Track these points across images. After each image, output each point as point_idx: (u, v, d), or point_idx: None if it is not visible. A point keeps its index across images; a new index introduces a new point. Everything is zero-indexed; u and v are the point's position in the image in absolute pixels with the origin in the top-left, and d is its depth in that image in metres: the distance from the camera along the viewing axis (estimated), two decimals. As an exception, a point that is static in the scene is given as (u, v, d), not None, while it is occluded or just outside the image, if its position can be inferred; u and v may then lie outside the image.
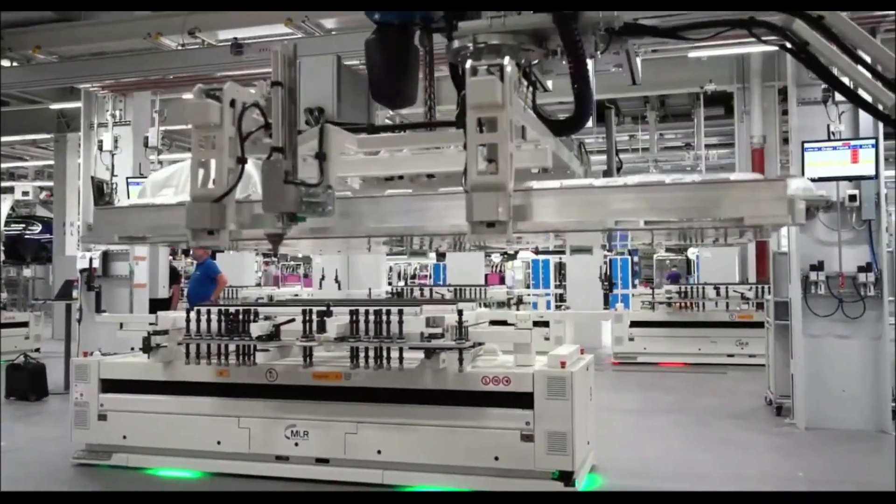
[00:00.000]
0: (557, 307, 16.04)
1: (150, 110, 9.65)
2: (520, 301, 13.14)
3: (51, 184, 16.18)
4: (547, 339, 12.93)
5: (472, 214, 3.12)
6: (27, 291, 26.38)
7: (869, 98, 3.89)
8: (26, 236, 14.55)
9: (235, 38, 7.59)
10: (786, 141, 11.28)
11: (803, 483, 5.79)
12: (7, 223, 14.22)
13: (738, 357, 11.83)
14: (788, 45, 3.81)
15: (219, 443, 5.86)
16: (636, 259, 32.89)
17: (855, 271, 7.30)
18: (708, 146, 17.26)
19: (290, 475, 5.70)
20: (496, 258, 31.65)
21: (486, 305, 13.05)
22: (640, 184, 3.45)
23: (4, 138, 15.20)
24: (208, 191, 3.40)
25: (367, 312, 5.23)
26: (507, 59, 3.17)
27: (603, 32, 3.69)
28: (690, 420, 8.07)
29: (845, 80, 3.90)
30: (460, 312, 5.20)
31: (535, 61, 3.89)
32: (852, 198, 7.28)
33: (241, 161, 3.43)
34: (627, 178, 3.59)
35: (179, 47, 8.02)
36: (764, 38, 3.86)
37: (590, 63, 3.69)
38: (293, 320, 5.45)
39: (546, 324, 13.11)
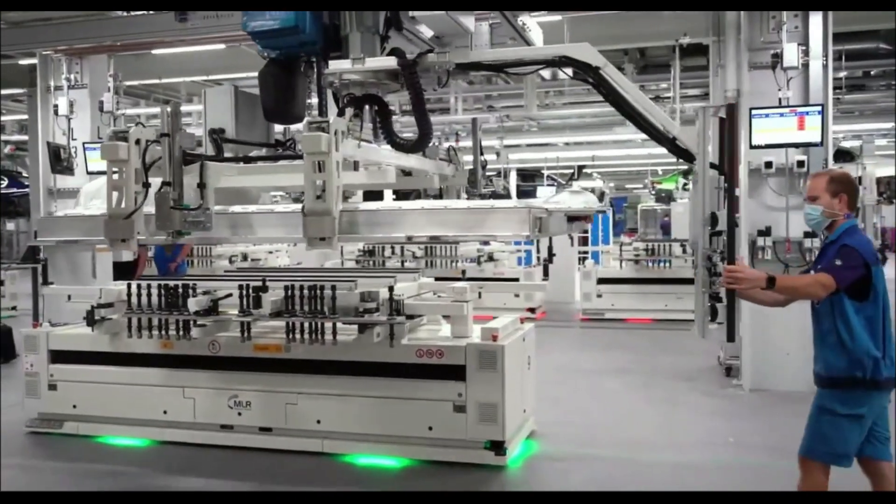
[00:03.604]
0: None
1: (106, 73, 9.54)
2: (490, 257, 13.24)
3: (15, 138, 16.06)
4: (517, 295, 13.17)
5: (306, 232, 4.19)
6: (11, 245, 26.43)
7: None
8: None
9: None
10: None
11: (733, 448, 5.97)
12: None
13: (703, 313, 11.95)
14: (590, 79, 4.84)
15: (165, 412, 6.00)
16: (621, 210, 33.06)
17: (801, 237, 7.38)
18: (686, 98, 17.10)
19: (234, 443, 5.86)
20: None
21: (456, 262, 13.19)
22: (430, 208, 4.47)
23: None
24: (120, 210, 4.45)
25: (301, 287, 5.30)
26: (332, 117, 4.17)
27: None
28: (642, 381, 8.23)
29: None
30: (391, 288, 5.28)
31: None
32: (800, 164, 7.31)
33: (146, 185, 4.45)
34: (424, 203, 4.66)
35: (125, 14, 7.93)
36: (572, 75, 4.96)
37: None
38: (230, 295, 5.53)
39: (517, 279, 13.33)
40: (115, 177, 4.45)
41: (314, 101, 5.26)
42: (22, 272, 14.72)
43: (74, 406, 6.23)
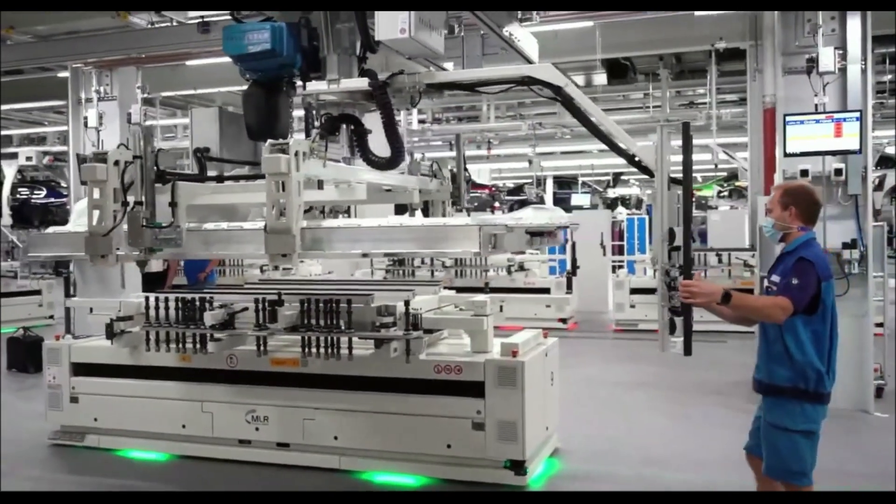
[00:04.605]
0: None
1: (134, 85, 9.63)
2: (521, 267, 13.07)
3: (55, 149, 16.37)
4: (548, 306, 13.00)
5: (268, 249, 4.34)
6: (53, 253, 26.89)
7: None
8: (32, 201, 14.77)
9: (202, 18, 7.53)
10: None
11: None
12: (14, 188, 14.44)
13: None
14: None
15: (184, 426, 5.96)
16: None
17: (840, 247, 7.08)
18: (723, 104, 16.75)
19: (252, 459, 5.80)
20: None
21: (485, 272, 13.05)
22: (386, 225, 4.53)
23: (22, 105, 15.39)
24: (100, 227, 4.63)
25: (317, 302, 5.22)
26: (292, 140, 4.33)
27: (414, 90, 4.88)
28: (671, 396, 8.00)
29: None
30: (407, 303, 5.16)
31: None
32: (838, 172, 7.02)
33: (125, 204, 4.63)
34: (381, 220, 4.63)
35: (149, 25, 7.98)
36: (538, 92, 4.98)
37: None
38: (246, 309, 5.47)
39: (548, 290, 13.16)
40: (96, 196, 4.65)
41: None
42: (59, 281, 14.95)
43: (95, 419, 6.22)
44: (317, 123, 5.05)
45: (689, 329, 3.77)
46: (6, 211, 14.58)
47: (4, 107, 14.14)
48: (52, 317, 14.23)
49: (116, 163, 4.62)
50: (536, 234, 5.09)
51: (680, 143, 4.07)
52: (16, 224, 14.25)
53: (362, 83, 4.83)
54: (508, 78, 5.02)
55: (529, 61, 5.91)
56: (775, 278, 3.67)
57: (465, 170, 6.20)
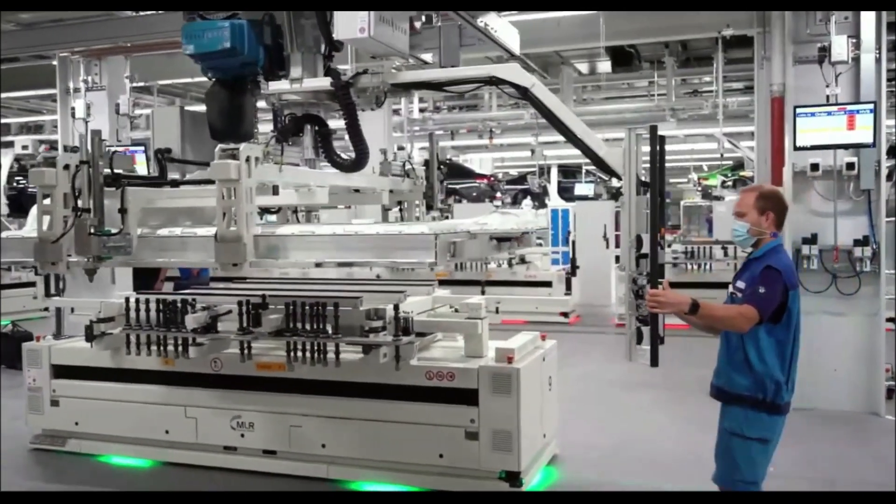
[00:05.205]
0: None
1: (122, 74, 9.35)
2: (522, 260, 12.82)
3: (53, 137, 16.16)
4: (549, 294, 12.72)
5: (218, 258, 4.23)
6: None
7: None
8: (30, 190, 14.59)
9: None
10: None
11: (772, 479, 5.47)
12: (10, 177, 14.22)
13: (746, 320, 11.38)
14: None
15: (167, 432, 5.74)
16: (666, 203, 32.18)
17: (851, 245, 6.81)
18: (730, 91, 16.42)
19: (238, 466, 5.58)
20: (526, 204, 30.98)
21: (486, 265, 12.80)
22: (341, 234, 4.40)
23: (20, 93, 15.19)
24: (49, 233, 4.53)
25: (303, 305, 4.97)
26: (242, 145, 4.14)
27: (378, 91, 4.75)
28: (673, 396, 7.75)
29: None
30: (396, 307, 4.92)
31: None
32: (850, 166, 6.74)
33: (75, 210, 4.44)
34: (337, 228, 4.50)
35: (135, 14, 7.71)
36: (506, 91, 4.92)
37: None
38: (230, 312, 5.23)
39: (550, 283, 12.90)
40: (45, 202, 4.54)
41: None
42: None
43: (77, 423, 6.01)
44: (277, 126, 4.97)
45: (656, 339, 3.66)
46: (3, 200, 14.37)
47: (2, 95, 13.96)
48: (46, 309, 14.01)
49: (67, 167, 4.47)
50: (504, 240, 4.97)
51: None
52: (12, 213, 14.06)
53: (325, 83, 4.72)
54: (474, 78, 4.90)
55: (509, 52, 5.71)
56: (741, 284, 3.59)
57: (439, 168, 6.01)
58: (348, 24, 4.32)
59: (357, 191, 5.47)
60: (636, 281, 3.88)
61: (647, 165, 4.23)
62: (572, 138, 4.63)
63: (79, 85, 9.27)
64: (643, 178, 3.97)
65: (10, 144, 14.49)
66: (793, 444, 6.06)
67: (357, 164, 5.00)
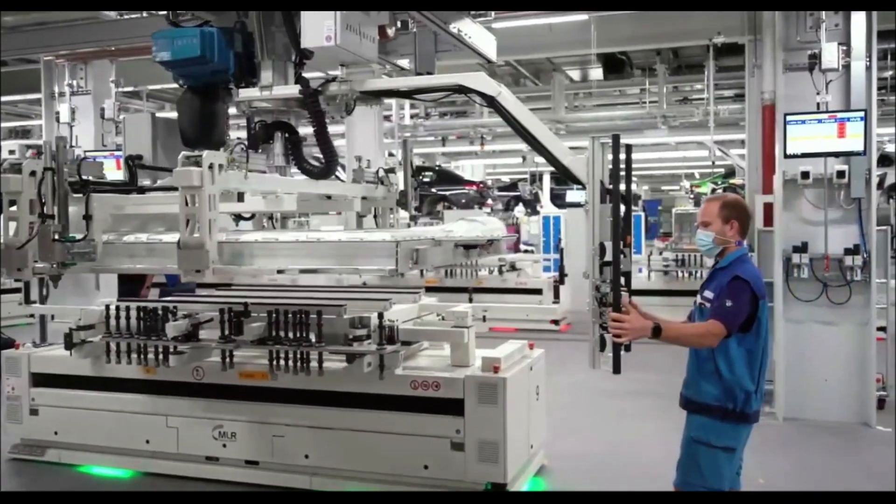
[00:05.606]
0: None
1: (108, 78, 9.25)
2: (512, 267, 12.74)
3: (39, 142, 16.06)
4: (540, 302, 12.63)
5: (181, 265, 4.19)
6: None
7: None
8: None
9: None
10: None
11: (763, 490, 5.40)
12: None
13: (738, 328, 11.33)
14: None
15: (148, 441, 5.63)
16: (656, 213, 32.15)
17: (841, 253, 6.76)
18: (721, 99, 16.40)
19: (220, 477, 5.47)
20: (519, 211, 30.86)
21: (476, 272, 12.72)
22: (304, 240, 4.38)
23: (8, 98, 15.08)
24: (15, 240, 4.48)
25: (286, 313, 4.89)
26: (206, 152, 4.11)
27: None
28: (665, 405, 7.55)
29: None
30: (380, 315, 4.83)
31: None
32: (840, 174, 6.70)
33: (42, 216, 4.41)
34: (300, 235, 4.52)
35: (119, 17, 7.61)
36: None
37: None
38: (211, 320, 5.13)
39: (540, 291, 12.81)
40: (11, 208, 4.52)
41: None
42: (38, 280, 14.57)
43: (56, 433, 5.89)
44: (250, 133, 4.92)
45: (618, 347, 3.59)
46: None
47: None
48: (32, 316, 13.86)
49: (33, 173, 4.45)
50: (471, 247, 4.93)
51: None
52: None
53: (294, 90, 4.69)
54: (442, 86, 4.87)
55: (485, 58, 5.67)
56: (708, 294, 3.58)
57: (413, 176, 6.02)
58: (315, 33, 4.30)
59: (329, 198, 5.44)
60: (599, 288, 3.83)
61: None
62: (538, 147, 4.59)
63: (63, 89, 9.16)
64: (608, 186, 3.92)
65: (-3, 149, 14.37)
66: (783, 456, 6.05)
67: (326, 171, 4.99)
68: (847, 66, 6.66)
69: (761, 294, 3.47)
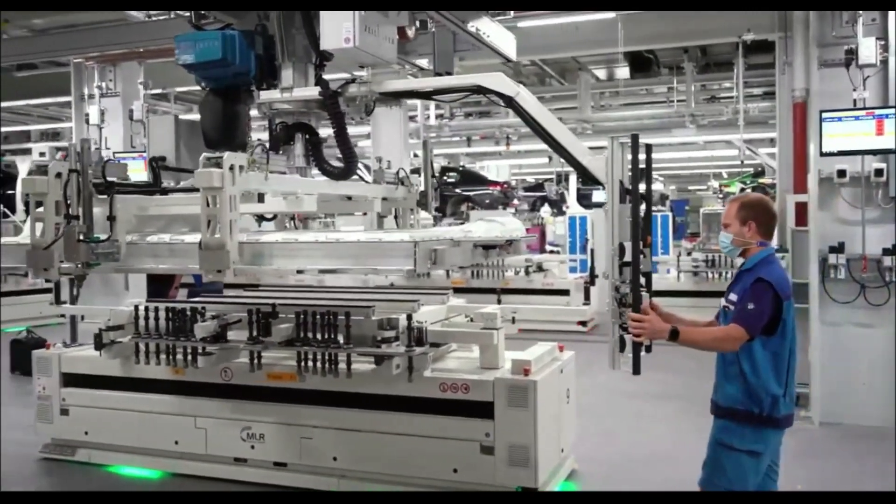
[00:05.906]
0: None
1: (136, 80, 9.31)
2: (539, 268, 12.65)
3: (65, 144, 16.31)
4: (567, 304, 12.54)
5: (202, 265, 4.18)
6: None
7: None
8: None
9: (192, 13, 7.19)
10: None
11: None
12: None
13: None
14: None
15: (176, 442, 5.64)
16: (683, 213, 31.85)
17: (880, 254, 6.60)
18: (751, 97, 16.16)
19: (248, 479, 5.46)
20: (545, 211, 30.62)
21: (503, 272, 12.65)
22: (324, 241, 4.35)
23: (37, 101, 15.31)
24: (41, 240, 4.51)
25: (314, 314, 4.86)
26: (226, 154, 4.12)
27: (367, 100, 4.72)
28: (696, 409, 7.42)
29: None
30: (409, 317, 4.79)
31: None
32: (878, 172, 6.54)
33: (67, 217, 4.45)
34: (319, 235, 4.48)
35: (147, 19, 7.64)
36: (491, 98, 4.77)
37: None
38: (239, 321, 5.12)
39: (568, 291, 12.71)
40: (38, 209, 4.55)
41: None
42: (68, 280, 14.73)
43: (86, 433, 5.92)
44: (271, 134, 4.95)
45: (638, 347, 3.55)
46: (20, 206, 14.48)
47: (21, 102, 14.02)
48: (62, 316, 14.02)
49: (59, 175, 4.48)
50: (490, 248, 4.91)
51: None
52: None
53: (314, 92, 4.72)
54: (460, 87, 4.83)
55: (504, 57, 5.61)
56: (733, 297, 3.51)
57: (433, 176, 6.02)
58: (334, 35, 4.32)
59: (350, 199, 5.45)
60: (618, 289, 3.78)
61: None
62: (557, 147, 4.56)
63: (93, 91, 9.24)
64: (628, 187, 3.86)
65: (28, 151, 14.58)
66: (819, 461, 5.91)
67: (346, 172, 5.00)
68: (885, 62, 6.51)
69: (786, 295, 3.39)
